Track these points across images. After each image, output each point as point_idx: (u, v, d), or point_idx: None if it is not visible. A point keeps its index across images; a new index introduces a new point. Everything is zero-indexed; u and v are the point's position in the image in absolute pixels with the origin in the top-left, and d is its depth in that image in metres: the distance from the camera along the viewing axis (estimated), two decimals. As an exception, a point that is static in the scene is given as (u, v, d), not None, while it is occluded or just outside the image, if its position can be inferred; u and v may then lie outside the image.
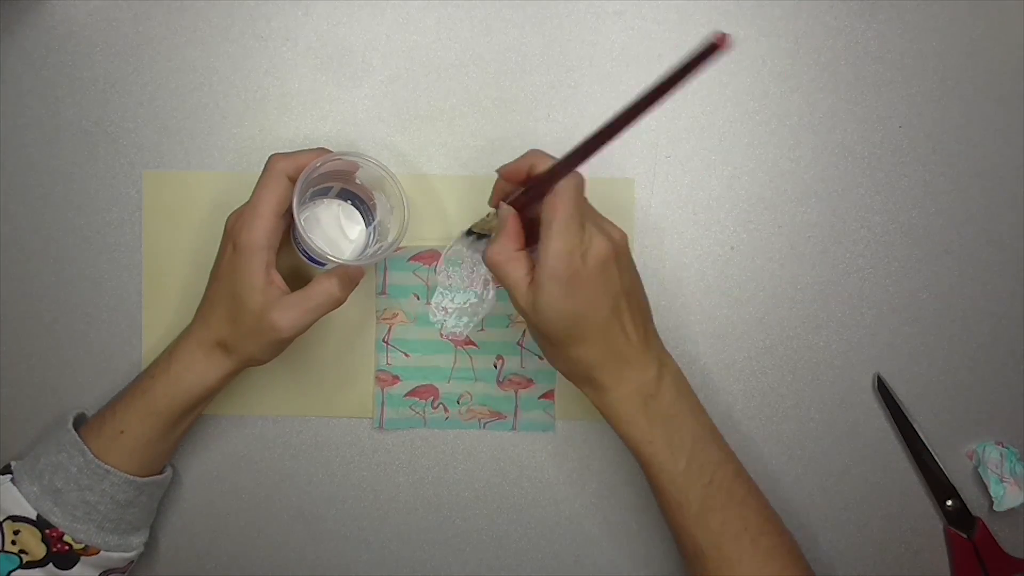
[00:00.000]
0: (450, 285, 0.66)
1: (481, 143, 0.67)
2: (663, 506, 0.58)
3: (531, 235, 0.56)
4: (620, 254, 0.55)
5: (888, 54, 0.67)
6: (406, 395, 0.67)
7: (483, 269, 0.66)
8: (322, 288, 0.57)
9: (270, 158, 0.58)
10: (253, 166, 0.65)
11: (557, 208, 0.53)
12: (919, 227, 0.67)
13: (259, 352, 0.59)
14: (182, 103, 0.66)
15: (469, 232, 0.64)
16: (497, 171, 0.58)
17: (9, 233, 0.66)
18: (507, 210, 0.57)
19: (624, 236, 0.56)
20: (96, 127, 0.66)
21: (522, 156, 0.57)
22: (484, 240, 0.63)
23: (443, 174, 0.66)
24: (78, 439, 0.59)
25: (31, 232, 0.66)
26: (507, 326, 0.67)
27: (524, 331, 0.67)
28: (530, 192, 0.56)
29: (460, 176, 0.66)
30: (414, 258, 0.66)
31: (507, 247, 0.56)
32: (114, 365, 0.66)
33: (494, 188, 0.60)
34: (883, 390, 0.67)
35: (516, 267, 0.55)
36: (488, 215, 0.62)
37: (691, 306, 0.67)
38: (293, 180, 0.57)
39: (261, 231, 0.57)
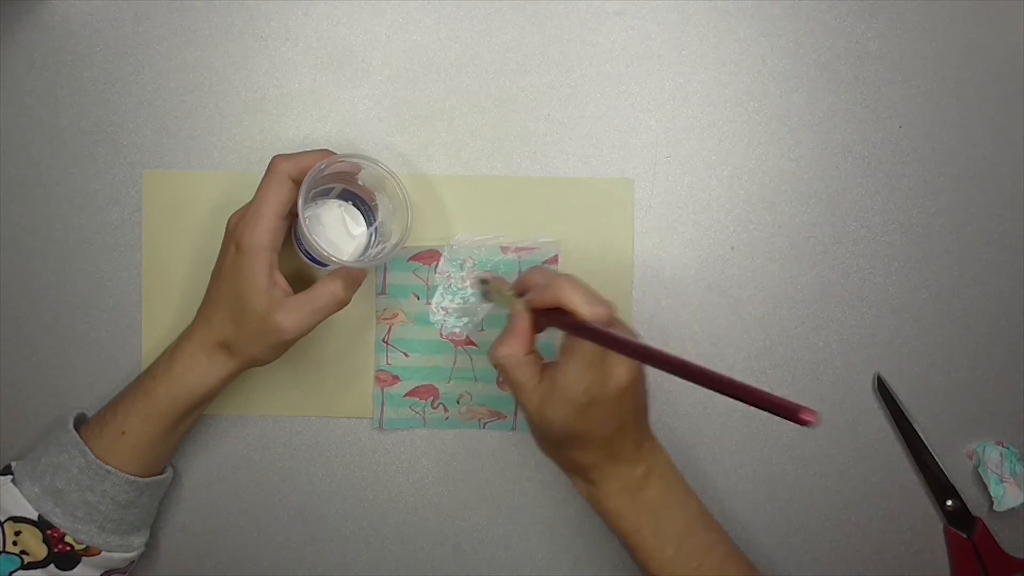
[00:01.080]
0: (450, 285, 0.66)
1: (481, 143, 0.67)
2: None
3: (543, 321, 0.56)
4: (638, 381, 0.55)
5: (888, 54, 0.67)
6: (406, 395, 0.67)
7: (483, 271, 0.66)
8: (326, 290, 0.57)
9: (273, 159, 0.58)
10: (253, 166, 0.65)
11: (588, 346, 0.53)
12: (919, 227, 0.67)
13: (262, 353, 0.59)
14: (182, 103, 0.66)
15: (483, 281, 0.65)
16: (522, 297, 0.57)
17: (9, 233, 0.66)
18: (522, 310, 0.56)
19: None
20: (96, 127, 0.66)
21: (550, 285, 0.54)
22: (487, 286, 0.64)
23: (443, 174, 0.66)
24: (79, 440, 0.59)
25: (31, 232, 0.66)
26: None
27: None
28: (555, 314, 0.54)
29: (460, 176, 0.66)
30: (414, 258, 0.66)
31: (517, 350, 0.55)
32: (114, 365, 0.66)
33: (520, 279, 0.58)
34: (883, 390, 0.67)
35: (524, 373, 0.55)
36: (506, 289, 0.60)
37: (691, 306, 0.67)
38: (296, 182, 0.57)
39: (265, 232, 0.57)
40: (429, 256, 0.66)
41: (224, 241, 0.60)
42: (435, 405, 0.67)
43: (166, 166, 0.66)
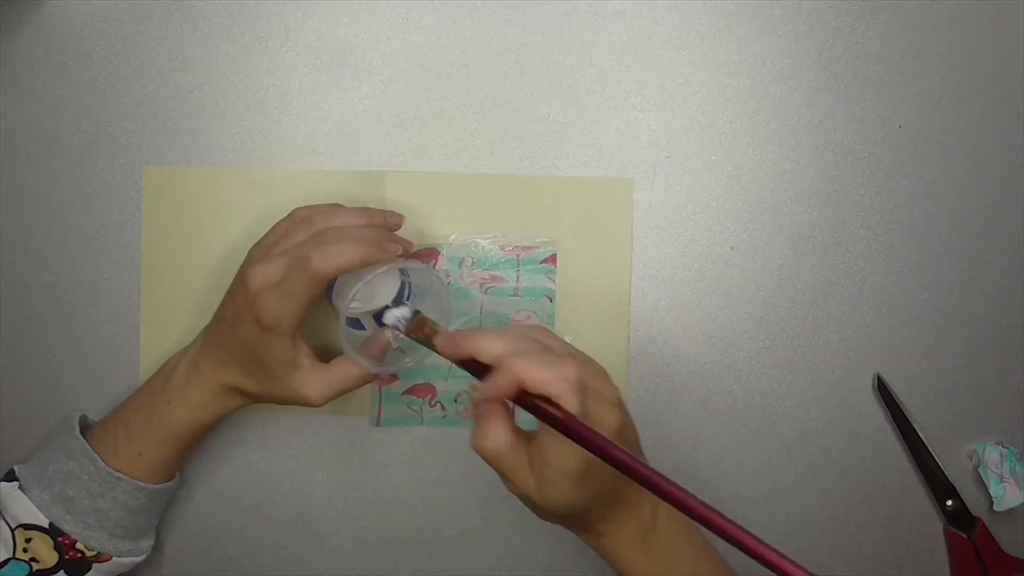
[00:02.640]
0: (448, 284, 0.66)
1: (481, 143, 0.67)
2: None
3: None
4: (623, 424, 0.51)
5: (888, 54, 0.67)
6: (403, 393, 0.67)
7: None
8: (356, 373, 0.57)
9: (308, 256, 0.54)
10: (253, 165, 0.65)
11: (564, 411, 0.47)
12: (919, 227, 0.67)
13: (282, 404, 0.59)
14: (182, 103, 0.66)
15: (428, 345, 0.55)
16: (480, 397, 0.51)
17: (9, 233, 0.66)
18: (483, 399, 0.50)
19: (619, 395, 0.51)
20: (96, 127, 0.66)
21: (504, 370, 0.48)
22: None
23: (442, 173, 0.66)
24: (88, 447, 0.58)
25: (31, 232, 0.66)
26: (505, 325, 0.67)
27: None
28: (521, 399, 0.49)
29: (459, 174, 0.66)
30: (413, 256, 0.66)
31: (500, 440, 0.50)
32: (113, 366, 0.66)
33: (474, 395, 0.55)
34: (883, 390, 0.67)
35: (513, 462, 0.51)
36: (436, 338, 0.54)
37: (691, 306, 0.67)
38: (329, 275, 0.54)
39: (291, 321, 0.55)
40: (428, 254, 0.66)
41: (241, 279, 0.57)
42: (432, 403, 0.67)
43: (165, 166, 0.66)
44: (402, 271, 0.59)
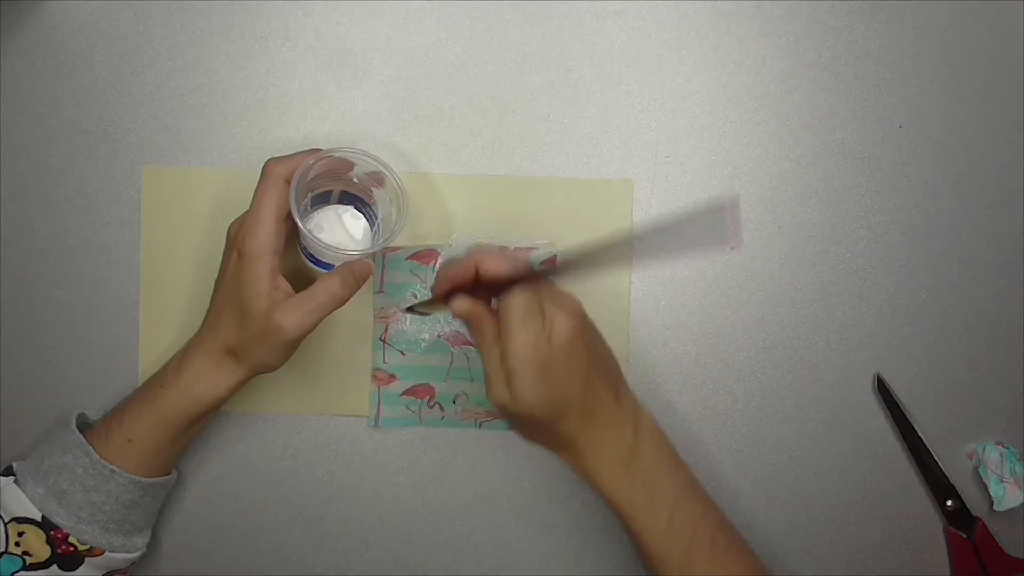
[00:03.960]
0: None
1: (481, 143, 0.67)
2: (646, 561, 0.58)
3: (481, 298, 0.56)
4: (582, 327, 0.55)
5: (888, 54, 0.67)
6: (402, 394, 0.67)
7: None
8: (324, 287, 0.57)
9: (266, 164, 0.58)
10: (253, 165, 0.65)
11: (516, 301, 0.53)
12: (919, 227, 0.67)
13: (267, 357, 0.58)
14: (182, 103, 0.66)
15: (410, 309, 0.64)
16: (439, 277, 0.57)
17: (9, 233, 0.66)
18: (464, 304, 0.55)
19: (579, 305, 0.56)
20: (96, 127, 0.66)
21: (466, 257, 0.56)
22: (419, 310, 0.63)
23: (443, 174, 0.66)
24: (83, 440, 0.59)
25: (31, 232, 0.66)
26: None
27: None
28: (481, 291, 0.55)
29: (460, 176, 0.66)
30: (412, 257, 0.66)
31: (474, 302, 0.55)
32: (113, 365, 0.66)
33: (436, 280, 0.58)
34: (883, 390, 0.67)
35: (491, 326, 0.55)
36: (434, 301, 0.60)
37: (691, 306, 0.67)
38: (283, 174, 0.58)
39: (265, 236, 0.57)
40: (427, 255, 0.66)
41: (225, 249, 0.60)
42: (431, 404, 0.67)
43: (166, 166, 0.66)
44: (350, 153, 0.59)
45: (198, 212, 0.66)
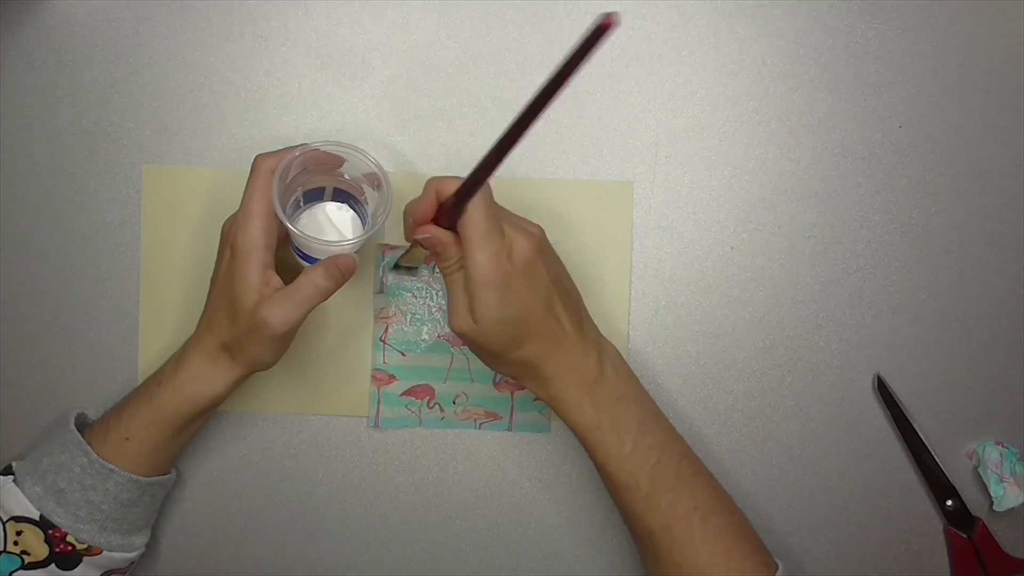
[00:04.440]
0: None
1: (481, 143, 0.66)
2: (613, 491, 0.59)
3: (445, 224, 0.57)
4: (542, 248, 0.57)
5: (888, 54, 0.67)
6: (402, 394, 0.67)
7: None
8: (307, 279, 0.57)
9: (255, 159, 0.58)
10: (253, 166, 0.65)
11: (475, 220, 0.54)
12: (919, 227, 0.67)
13: (259, 353, 0.58)
14: (182, 103, 0.66)
15: (396, 266, 0.65)
16: (406, 213, 0.59)
17: (9, 233, 0.66)
18: (426, 230, 0.57)
19: (541, 229, 0.58)
20: (96, 127, 0.66)
21: (424, 191, 0.57)
22: (414, 271, 0.65)
23: (442, 174, 0.66)
24: (81, 439, 0.59)
25: (31, 232, 0.66)
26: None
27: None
28: (444, 218, 0.56)
29: (460, 176, 0.66)
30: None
31: (440, 230, 0.56)
32: (113, 365, 0.66)
33: (405, 225, 0.60)
34: (883, 390, 0.67)
35: (455, 251, 0.56)
36: (411, 248, 0.62)
37: (691, 306, 0.67)
38: (271, 168, 0.58)
39: (255, 232, 0.57)
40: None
41: (220, 246, 0.60)
42: (431, 405, 0.67)
43: (166, 166, 0.66)
44: (335, 147, 0.59)
45: (198, 212, 0.66)
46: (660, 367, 0.67)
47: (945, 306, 0.68)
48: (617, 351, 0.60)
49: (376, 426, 0.67)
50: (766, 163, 0.67)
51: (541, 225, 0.58)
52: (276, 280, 0.57)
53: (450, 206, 0.55)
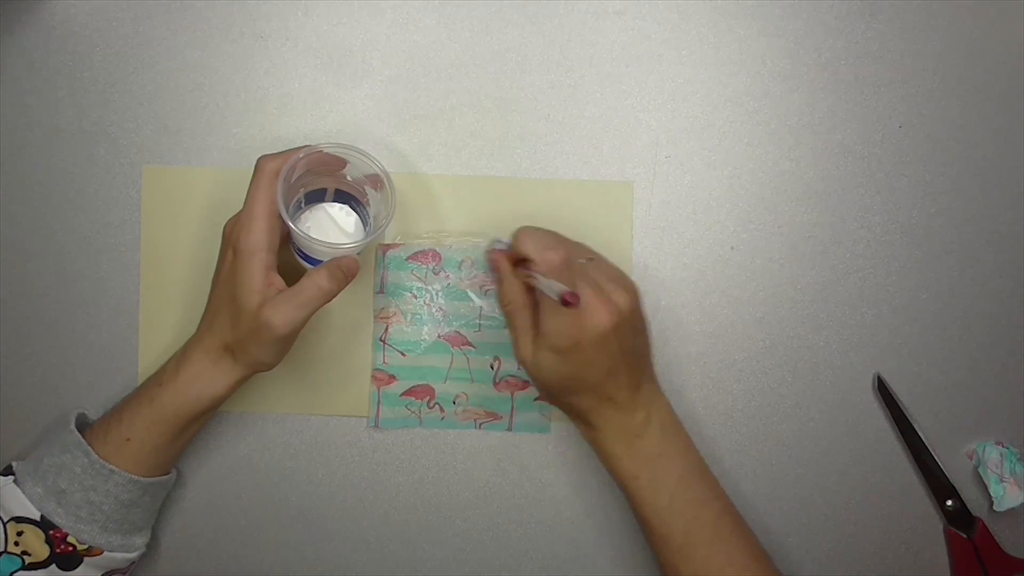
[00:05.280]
0: (448, 285, 0.66)
1: (481, 143, 0.67)
2: (648, 537, 0.60)
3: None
4: (621, 322, 0.56)
5: (888, 54, 0.67)
6: (402, 394, 0.67)
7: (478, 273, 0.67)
8: (311, 281, 0.57)
9: (259, 160, 0.58)
10: (253, 164, 0.65)
11: (553, 284, 0.55)
12: (919, 227, 0.67)
13: (262, 354, 0.58)
14: (182, 103, 0.66)
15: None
16: (490, 252, 0.62)
17: (9, 233, 0.66)
18: (494, 257, 0.61)
19: (632, 294, 0.58)
20: (96, 127, 0.66)
21: (516, 233, 0.59)
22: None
23: (442, 174, 0.66)
24: (81, 440, 0.59)
25: (31, 232, 0.66)
26: (504, 327, 0.66)
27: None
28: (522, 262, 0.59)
29: (459, 176, 0.66)
30: (412, 257, 0.66)
31: (518, 291, 0.59)
32: (113, 365, 0.66)
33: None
34: (883, 390, 0.67)
35: (522, 319, 0.59)
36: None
37: (691, 306, 0.67)
38: (275, 169, 0.58)
39: (258, 233, 0.57)
40: (427, 256, 0.66)
41: (221, 247, 0.60)
42: (431, 405, 0.67)
43: (166, 165, 0.66)
44: (337, 149, 0.59)
45: (198, 212, 0.66)
46: (660, 367, 0.67)
47: (945, 306, 0.68)
48: (669, 407, 0.61)
49: (376, 426, 0.67)
50: (766, 163, 0.67)
51: (627, 294, 0.57)
52: (279, 281, 0.57)
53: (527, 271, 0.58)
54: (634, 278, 0.67)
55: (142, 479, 0.59)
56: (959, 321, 0.68)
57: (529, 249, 0.57)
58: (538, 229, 0.59)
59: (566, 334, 0.55)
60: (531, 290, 0.59)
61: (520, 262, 0.59)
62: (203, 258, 0.65)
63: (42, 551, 0.58)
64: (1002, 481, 0.65)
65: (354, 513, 0.67)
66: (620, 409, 0.58)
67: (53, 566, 0.58)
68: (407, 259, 0.66)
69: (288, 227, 0.57)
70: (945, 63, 0.67)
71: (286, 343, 0.58)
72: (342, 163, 0.60)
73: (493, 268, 0.60)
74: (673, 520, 0.58)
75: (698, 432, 0.67)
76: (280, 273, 0.58)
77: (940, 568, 0.68)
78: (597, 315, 0.55)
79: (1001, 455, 0.66)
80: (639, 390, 0.59)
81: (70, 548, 0.58)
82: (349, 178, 0.61)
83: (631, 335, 0.58)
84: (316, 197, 0.62)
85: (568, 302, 0.50)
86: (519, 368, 0.63)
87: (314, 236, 0.58)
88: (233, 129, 0.66)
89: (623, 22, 0.67)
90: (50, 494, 0.58)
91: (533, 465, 0.68)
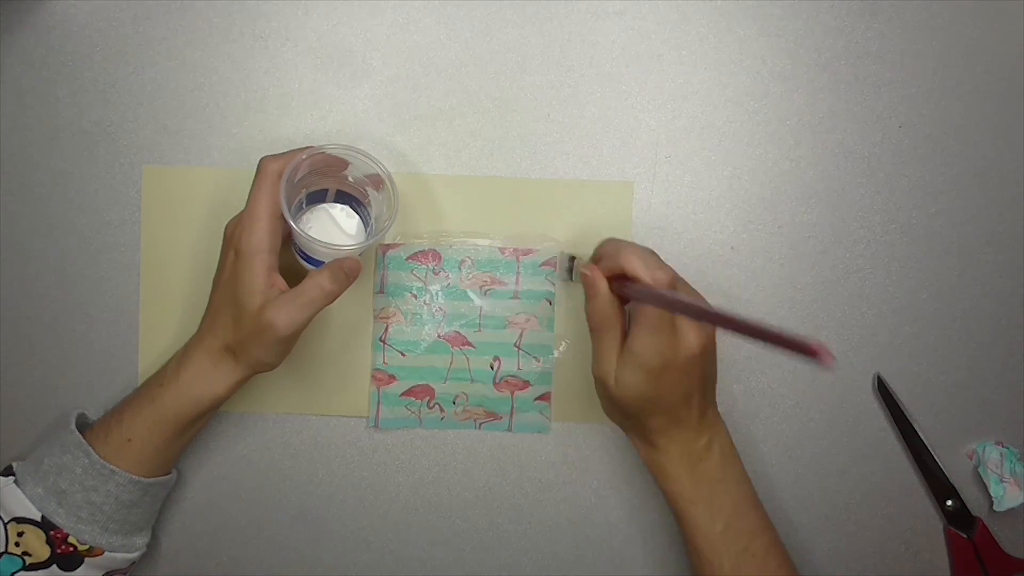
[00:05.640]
0: (448, 285, 0.66)
1: (481, 143, 0.67)
2: (695, 563, 0.60)
3: (618, 289, 0.59)
4: (710, 346, 0.57)
5: (888, 54, 0.67)
6: (402, 395, 0.67)
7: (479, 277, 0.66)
8: (314, 282, 0.57)
9: (261, 161, 0.58)
10: (253, 165, 0.65)
11: (653, 310, 0.55)
12: (919, 227, 0.67)
13: (263, 355, 0.58)
14: (182, 103, 0.66)
15: (571, 258, 0.65)
16: (586, 268, 0.59)
17: (9, 233, 0.66)
18: (590, 273, 0.58)
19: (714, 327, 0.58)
20: (96, 127, 0.66)
21: (616, 253, 0.57)
22: (572, 262, 0.65)
23: (442, 174, 0.66)
24: (82, 440, 0.59)
25: (31, 232, 0.66)
26: (504, 328, 0.67)
27: (521, 333, 0.67)
28: (623, 281, 0.58)
29: (459, 176, 0.66)
30: (412, 257, 0.66)
31: (609, 301, 0.58)
32: (113, 365, 0.66)
33: (597, 248, 0.61)
34: (883, 390, 0.67)
35: (611, 337, 0.58)
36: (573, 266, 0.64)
37: (691, 306, 0.67)
38: (279, 169, 0.58)
39: (261, 234, 0.57)
40: (427, 256, 0.66)
41: (223, 248, 0.60)
42: (431, 405, 0.67)
43: (166, 165, 0.66)
44: (340, 150, 0.59)
45: (198, 212, 0.66)
46: (660, 367, 0.67)
47: (945, 306, 0.68)
48: (729, 436, 0.61)
49: (376, 426, 0.67)
50: (766, 163, 0.67)
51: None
52: (281, 282, 0.57)
53: (630, 288, 0.57)
54: (634, 278, 0.67)
55: (143, 479, 0.59)
56: (959, 321, 0.68)
57: (638, 268, 0.56)
58: (636, 245, 0.58)
59: (659, 354, 0.56)
60: (622, 307, 0.58)
61: (618, 277, 0.58)
62: (203, 258, 0.65)
63: (43, 552, 0.58)
64: (1002, 481, 0.65)
65: (354, 513, 0.67)
66: (687, 431, 0.59)
67: (54, 566, 0.58)
68: (407, 259, 0.66)
69: (290, 228, 0.57)
70: (945, 63, 0.67)
71: (288, 344, 0.58)
72: (344, 164, 0.60)
73: (587, 283, 0.58)
74: (725, 548, 0.58)
75: (698, 432, 0.68)
76: (281, 274, 0.58)
77: (940, 568, 0.68)
78: (690, 338, 0.56)
79: (1001, 455, 0.66)
80: (706, 415, 0.59)
81: (71, 549, 0.58)
82: (351, 179, 0.61)
83: (712, 361, 0.59)
84: (317, 198, 0.62)
85: (814, 351, 0.41)
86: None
87: (316, 237, 0.58)
88: (233, 129, 0.66)
89: (623, 22, 0.67)
90: (51, 495, 0.58)
91: (533, 465, 0.68)
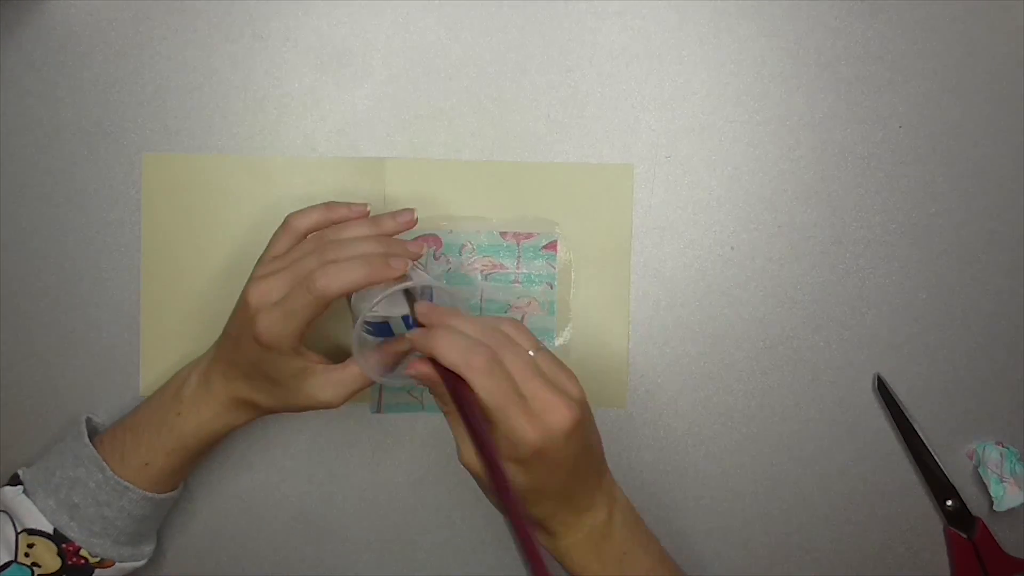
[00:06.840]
0: (448, 270, 0.66)
1: (481, 143, 0.67)
2: None
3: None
4: (582, 415, 0.50)
5: (888, 54, 0.67)
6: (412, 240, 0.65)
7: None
8: (361, 374, 0.56)
9: (313, 276, 0.53)
10: (253, 164, 0.65)
11: (495, 391, 0.48)
12: (919, 227, 0.67)
13: (295, 409, 0.58)
14: (182, 103, 0.66)
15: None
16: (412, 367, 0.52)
17: (9, 233, 0.66)
18: (424, 371, 0.51)
19: (582, 393, 0.51)
20: (96, 127, 0.66)
21: (430, 346, 0.50)
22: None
23: (443, 158, 0.66)
24: (96, 455, 0.58)
25: (31, 232, 0.66)
26: (505, 311, 0.66)
27: (523, 316, 0.65)
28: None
29: (459, 161, 0.66)
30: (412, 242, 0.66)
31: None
32: (113, 364, 0.66)
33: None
34: (883, 390, 0.67)
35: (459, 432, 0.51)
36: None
37: (691, 306, 0.67)
38: (334, 296, 0.53)
39: (291, 340, 0.54)
40: (427, 241, 0.66)
41: (240, 298, 0.57)
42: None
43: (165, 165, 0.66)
44: (409, 292, 0.56)
45: (199, 201, 0.65)
46: (660, 367, 0.67)
47: (945, 306, 0.68)
48: (626, 498, 0.56)
49: (379, 411, 0.67)
50: (766, 163, 0.67)
51: (579, 385, 0.51)
52: (315, 357, 0.56)
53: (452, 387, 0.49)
54: (634, 278, 0.67)
55: (156, 496, 0.59)
56: (959, 321, 0.68)
57: (452, 358, 0.48)
58: (451, 313, 0.51)
59: (526, 442, 0.48)
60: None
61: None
62: (205, 256, 0.65)
63: (53, 563, 0.57)
64: (1002, 481, 0.65)
65: (354, 513, 0.67)
66: (582, 511, 0.53)
67: None
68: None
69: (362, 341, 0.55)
70: (945, 63, 0.67)
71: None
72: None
73: (419, 378, 0.51)
74: None
75: (698, 432, 0.68)
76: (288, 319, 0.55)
77: (940, 568, 0.68)
78: (558, 414, 0.48)
79: (1001, 455, 0.66)
80: (599, 486, 0.54)
81: (83, 561, 0.58)
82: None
83: (588, 428, 0.51)
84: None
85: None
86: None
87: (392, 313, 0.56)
88: (233, 129, 0.66)
89: (623, 22, 0.67)
90: (63, 508, 0.58)
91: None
